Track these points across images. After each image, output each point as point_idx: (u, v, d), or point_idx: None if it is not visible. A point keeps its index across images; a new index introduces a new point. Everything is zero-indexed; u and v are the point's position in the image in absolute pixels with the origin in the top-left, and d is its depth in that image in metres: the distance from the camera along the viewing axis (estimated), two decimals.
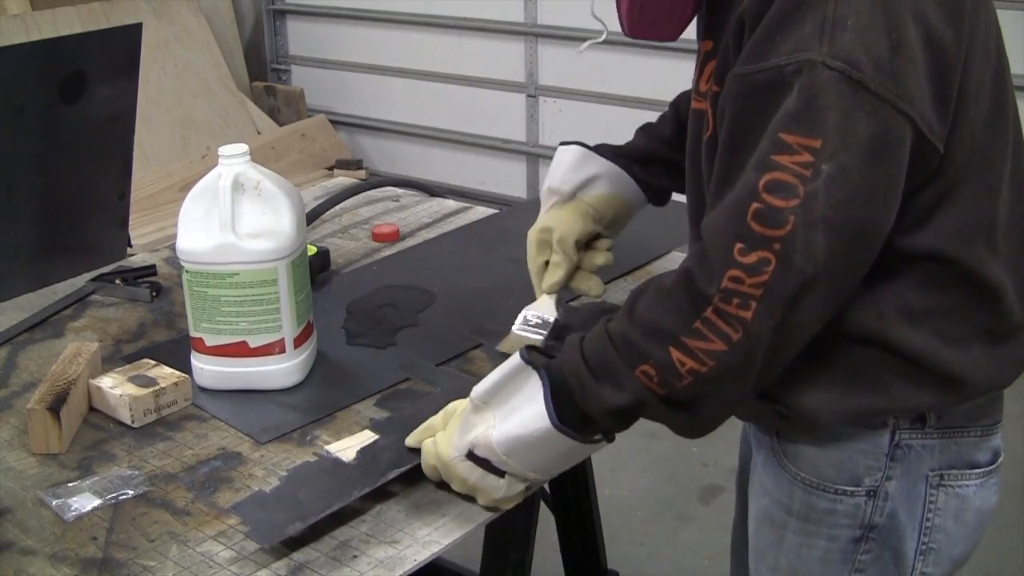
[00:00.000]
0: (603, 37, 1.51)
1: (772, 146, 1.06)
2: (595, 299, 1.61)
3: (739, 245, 1.06)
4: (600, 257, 1.56)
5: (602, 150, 1.56)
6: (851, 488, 1.24)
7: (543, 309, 1.54)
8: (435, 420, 1.30)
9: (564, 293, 1.56)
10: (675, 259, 1.85)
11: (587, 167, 1.54)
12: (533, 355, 1.21)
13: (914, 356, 1.17)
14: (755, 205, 1.06)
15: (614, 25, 1.37)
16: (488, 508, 1.26)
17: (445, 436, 1.25)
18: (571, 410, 1.18)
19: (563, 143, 1.59)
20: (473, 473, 1.23)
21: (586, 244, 1.56)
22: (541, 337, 1.52)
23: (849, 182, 1.05)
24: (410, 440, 1.31)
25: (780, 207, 1.05)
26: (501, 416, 1.21)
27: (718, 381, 1.10)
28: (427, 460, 1.27)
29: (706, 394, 1.12)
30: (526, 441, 1.19)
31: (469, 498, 1.27)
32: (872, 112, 1.05)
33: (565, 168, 1.55)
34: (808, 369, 1.20)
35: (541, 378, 1.19)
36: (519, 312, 1.56)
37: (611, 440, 1.23)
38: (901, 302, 1.16)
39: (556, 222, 1.53)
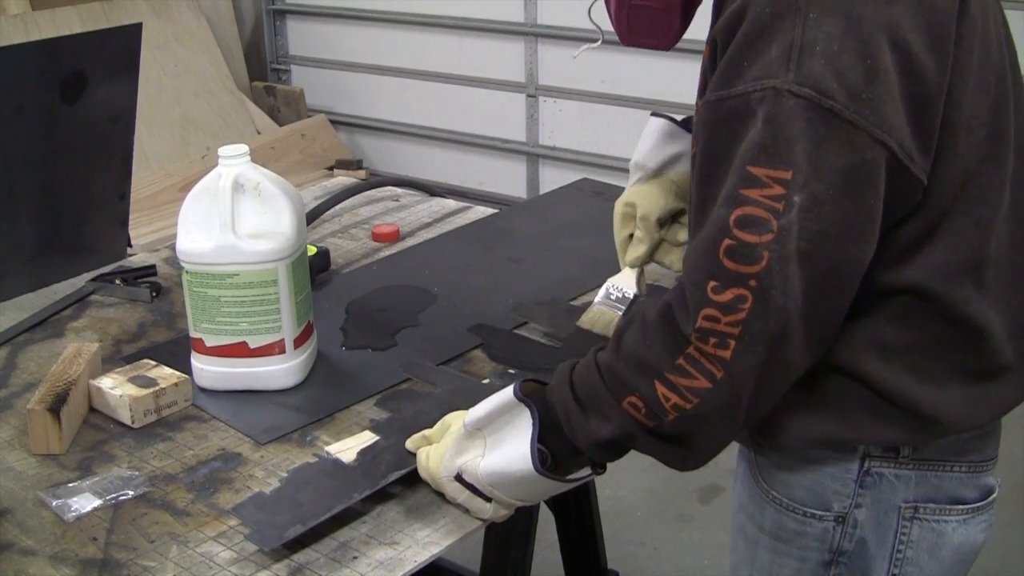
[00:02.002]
0: (598, 43, 1.52)
1: (741, 180, 1.03)
2: (678, 273, 1.60)
3: (712, 283, 1.03)
4: (683, 233, 1.54)
5: (690, 125, 1.51)
6: (819, 512, 1.22)
7: (625, 282, 1.55)
8: (432, 431, 1.30)
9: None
10: None
11: (673, 143, 1.52)
12: (528, 388, 1.20)
13: (884, 391, 1.13)
14: (727, 242, 1.03)
15: (609, 28, 1.38)
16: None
17: (437, 453, 1.25)
18: (560, 440, 1.18)
19: (654, 113, 1.57)
20: (460, 494, 1.24)
21: (671, 218, 1.54)
22: (621, 312, 1.53)
23: (824, 214, 1.02)
24: (409, 444, 1.32)
25: (753, 243, 1.02)
26: (490, 446, 1.21)
27: (704, 419, 1.09)
28: (421, 470, 1.28)
29: (694, 430, 1.11)
30: (510, 478, 1.20)
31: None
32: (847, 142, 1.01)
33: (652, 143, 1.54)
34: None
35: (532, 417, 1.18)
36: (518, 319, 1.56)
37: (601, 471, 1.22)
38: (874, 335, 1.13)
39: (640, 198, 1.52)
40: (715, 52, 1.10)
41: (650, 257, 1.54)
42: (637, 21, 1.32)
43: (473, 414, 1.22)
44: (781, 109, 1.01)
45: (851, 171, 1.02)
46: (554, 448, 1.19)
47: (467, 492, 1.23)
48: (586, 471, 1.21)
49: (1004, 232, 1.16)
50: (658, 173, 1.53)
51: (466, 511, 1.25)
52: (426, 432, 1.30)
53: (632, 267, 1.54)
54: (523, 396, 1.19)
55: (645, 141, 1.55)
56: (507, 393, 1.20)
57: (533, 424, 1.18)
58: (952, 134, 1.08)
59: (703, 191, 1.09)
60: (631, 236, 1.54)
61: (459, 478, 1.23)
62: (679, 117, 1.54)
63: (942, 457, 1.19)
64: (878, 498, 1.20)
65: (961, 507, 1.21)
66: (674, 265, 1.55)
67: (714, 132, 1.07)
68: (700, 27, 1.27)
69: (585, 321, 1.56)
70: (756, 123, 1.02)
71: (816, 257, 1.02)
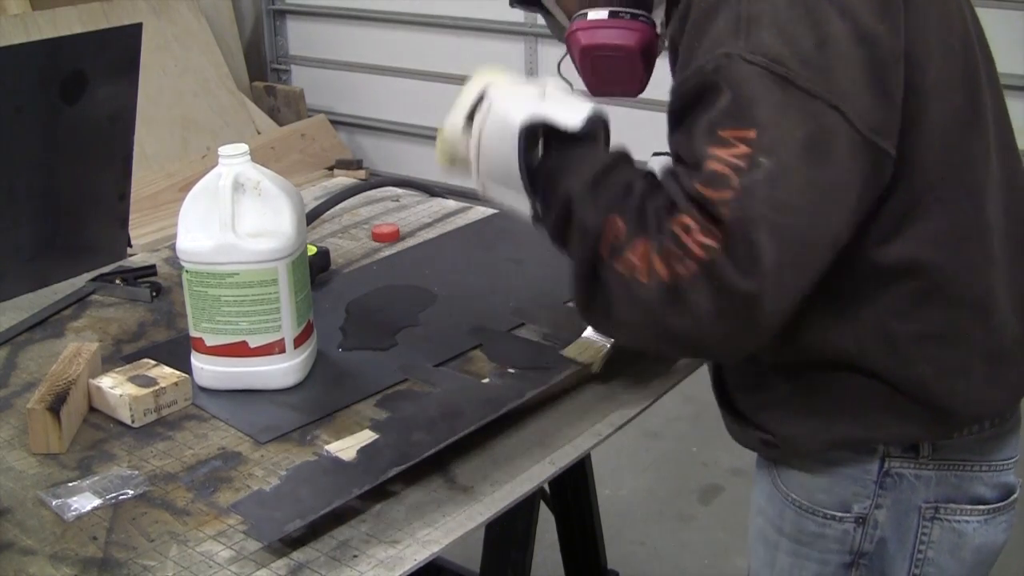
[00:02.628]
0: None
1: (709, 140, 1.02)
2: None
3: (687, 215, 1.03)
4: None
5: None
6: (840, 514, 1.22)
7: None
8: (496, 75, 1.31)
9: None
10: None
11: None
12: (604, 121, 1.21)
13: (897, 384, 1.13)
14: (699, 199, 1.02)
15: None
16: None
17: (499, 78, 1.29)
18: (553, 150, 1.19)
19: (655, 153, 1.57)
20: (465, 96, 1.27)
21: None
22: (609, 344, 1.50)
23: (790, 185, 1.01)
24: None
25: (714, 199, 1.01)
26: (547, 95, 1.22)
27: (634, 288, 1.06)
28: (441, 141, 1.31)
29: (619, 282, 1.07)
30: (503, 120, 1.21)
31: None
32: (804, 110, 1.01)
33: None
34: (790, 398, 1.19)
35: (588, 119, 1.18)
36: (517, 321, 1.56)
37: (535, 218, 1.22)
38: (884, 333, 1.12)
39: None
40: (675, 53, 1.13)
41: None
42: (601, 71, 1.34)
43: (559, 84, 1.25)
44: (736, 73, 1.02)
45: (811, 139, 1.01)
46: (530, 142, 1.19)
47: (470, 137, 1.25)
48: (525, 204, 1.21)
49: (998, 201, 1.16)
50: None
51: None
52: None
53: None
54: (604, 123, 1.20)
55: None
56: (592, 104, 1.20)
57: (585, 119, 1.18)
58: (921, 99, 1.08)
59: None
60: None
61: (475, 108, 1.25)
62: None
63: (962, 457, 1.19)
64: (898, 499, 1.20)
65: (982, 507, 1.21)
66: None
67: (681, 116, 1.08)
68: None
69: (571, 350, 1.53)
70: (719, 90, 1.03)
71: (787, 227, 1.01)
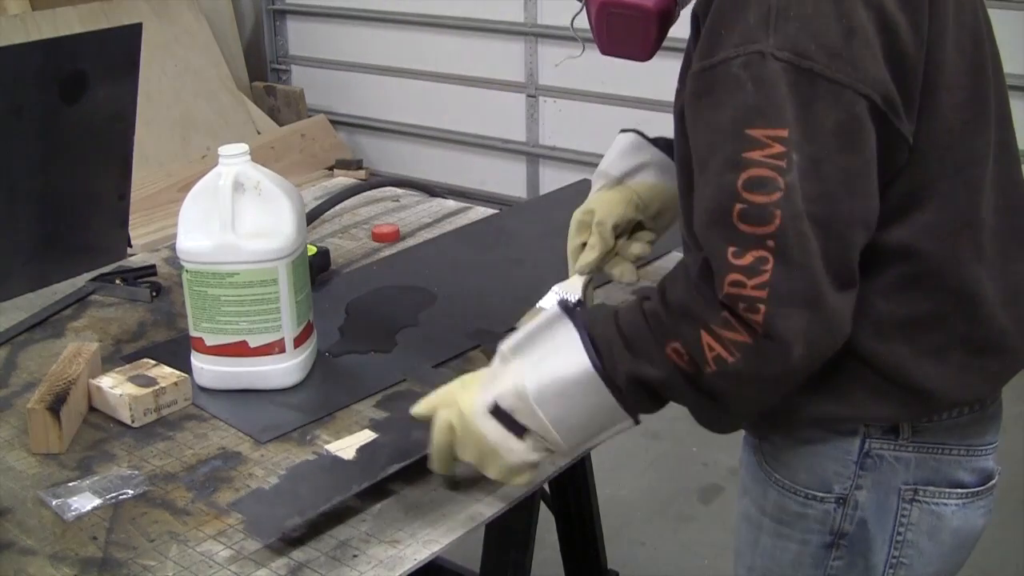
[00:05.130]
0: (580, 54, 1.52)
1: (741, 143, 1.03)
2: (626, 285, 1.60)
3: (732, 248, 1.04)
4: (637, 247, 1.55)
5: (658, 141, 1.54)
6: (821, 493, 1.22)
7: (572, 289, 1.53)
8: (451, 385, 1.25)
9: (597, 277, 1.56)
10: (675, 259, 1.85)
11: (638, 154, 1.54)
12: (567, 308, 1.18)
13: (880, 367, 1.14)
14: (738, 206, 1.03)
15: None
16: (498, 479, 1.22)
17: (467, 393, 1.21)
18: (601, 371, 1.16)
19: (623, 130, 1.58)
20: (495, 431, 1.18)
21: (629, 232, 1.54)
22: None
23: (823, 175, 1.03)
24: (419, 407, 1.26)
25: (764, 203, 1.02)
26: (532, 364, 1.17)
27: (743, 377, 1.07)
28: (441, 424, 1.22)
29: (732, 389, 1.10)
30: (562, 385, 1.15)
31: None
32: (834, 101, 1.03)
33: (617, 153, 1.55)
34: None
35: (577, 327, 1.15)
36: (518, 311, 1.56)
37: (636, 422, 1.19)
38: (868, 311, 1.13)
39: (598, 205, 1.52)
40: (697, 28, 1.11)
41: (600, 265, 1.53)
42: (614, 29, 1.33)
43: (509, 341, 1.19)
44: (766, 71, 1.03)
45: (841, 128, 1.04)
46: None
47: (501, 429, 1.18)
48: (627, 422, 1.18)
49: (991, 198, 1.17)
50: (620, 181, 1.53)
51: (478, 486, 1.23)
52: (443, 388, 1.25)
53: (581, 274, 1.53)
54: (566, 309, 1.16)
55: (610, 152, 1.56)
56: (547, 313, 1.17)
57: (580, 328, 1.15)
58: (933, 93, 1.10)
59: (702, 158, 1.09)
60: (584, 245, 1.53)
61: (495, 410, 1.18)
62: (650, 135, 1.55)
63: (941, 440, 1.20)
64: (878, 480, 1.21)
65: (960, 491, 1.23)
66: (623, 277, 1.54)
67: (700, 102, 1.08)
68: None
69: (525, 318, 1.51)
70: (743, 87, 1.03)
71: (825, 217, 1.04)
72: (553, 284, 1.76)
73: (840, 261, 1.06)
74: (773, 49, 1.03)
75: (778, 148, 1.02)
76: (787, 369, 1.07)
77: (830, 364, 1.14)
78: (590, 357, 1.13)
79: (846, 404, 1.17)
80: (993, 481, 1.26)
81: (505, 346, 1.19)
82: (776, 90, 1.02)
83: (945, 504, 1.22)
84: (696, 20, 1.12)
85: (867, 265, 1.12)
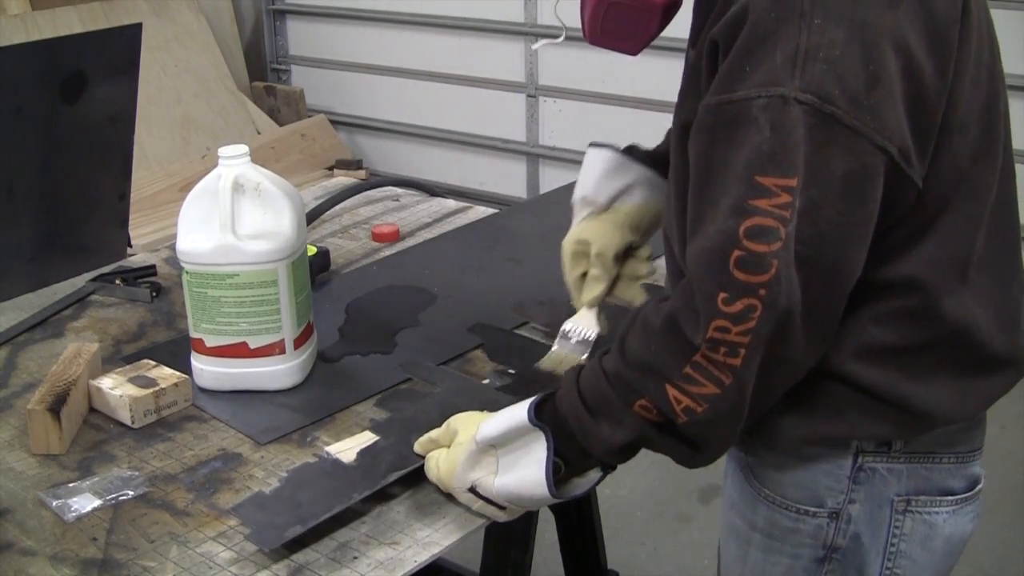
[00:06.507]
0: (561, 38, 1.48)
1: (749, 190, 1.02)
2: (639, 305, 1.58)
3: (723, 295, 1.03)
4: (643, 268, 1.51)
5: (636, 155, 1.49)
6: (813, 508, 1.22)
7: (584, 324, 1.50)
8: (439, 434, 1.29)
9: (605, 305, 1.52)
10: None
11: (622, 175, 1.48)
12: (542, 412, 1.19)
13: (872, 391, 1.14)
14: (737, 253, 1.02)
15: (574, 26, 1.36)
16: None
17: (448, 464, 1.25)
18: (574, 448, 1.18)
19: (592, 144, 1.53)
20: (474, 503, 1.24)
21: (624, 254, 1.51)
22: (586, 354, 1.48)
23: (821, 218, 1.02)
24: (417, 448, 1.31)
25: (763, 252, 1.01)
26: (503, 467, 1.21)
27: (714, 423, 1.09)
28: (430, 475, 1.28)
29: (705, 434, 1.11)
30: (525, 500, 1.21)
31: None
32: (848, 148, 1.01)
33: (598, 177, 1.49)
34: None
35: (547, 441, 1.17)
36: (518, 320, 1.56)
37: (612, 470, 1.23)
38: (860, 337, 1.13)
39: (593, 235, 1.47)
40: (714, 53, 1.09)
41: (608, 294, 1.51)
42: (613, 21, 1.30)
43: (485, 432, 1.21)
44: (787, 116, 1.01)
45: (851, 177, 1.02)
46: (567, 455, 1.19)
47: (481, 501, 1.23)
48: (598, 473, 1.22)
49: (987, 227, 1.17)
50: (607, 207, 1.48)
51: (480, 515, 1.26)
52: (433, 435, 1.29)
53: (591, 307, 1.50)
54: (536, 421, 1.18)
55: (589, 175, 1.50)
56: (520, 414, 1.19)
57: (548, 450, 1.17)
58: (947, 133, 1.09)
59: (702, 193, 1.07)
60: (584, 275, 1.50)
61: (472, 490, 1.23)
62: (620, 146, 1.50)
63: (932, 449, 1.20)
64: (871, 492, 1.20)
65: (951, 498, 1.23)
66: (635, 300, 1.51)
67: (714, 136, 1.06)
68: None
69: (546, 363, 1.51)
70: (760, 131, 1.01)
71: (812, 261, 1.03)
72: (552, 286, 1.76)
73: (819, 304, 1.05)
74: (796, 92, 1.00)
75: (785, 198, 1.01)
76: (744, 403, 1.08)
77: (822, 387, 1.15)
78: (549, 489, 1.18)
79: (839, 424, 1.17)
80: (980, 486, 1.26)
81: (480, 436, 1.21)
82: (792, 136, 1.01)
83: (937, 512, 1.22)
84: (715, 45, 1.09)
85: (864, 294, 1.11)
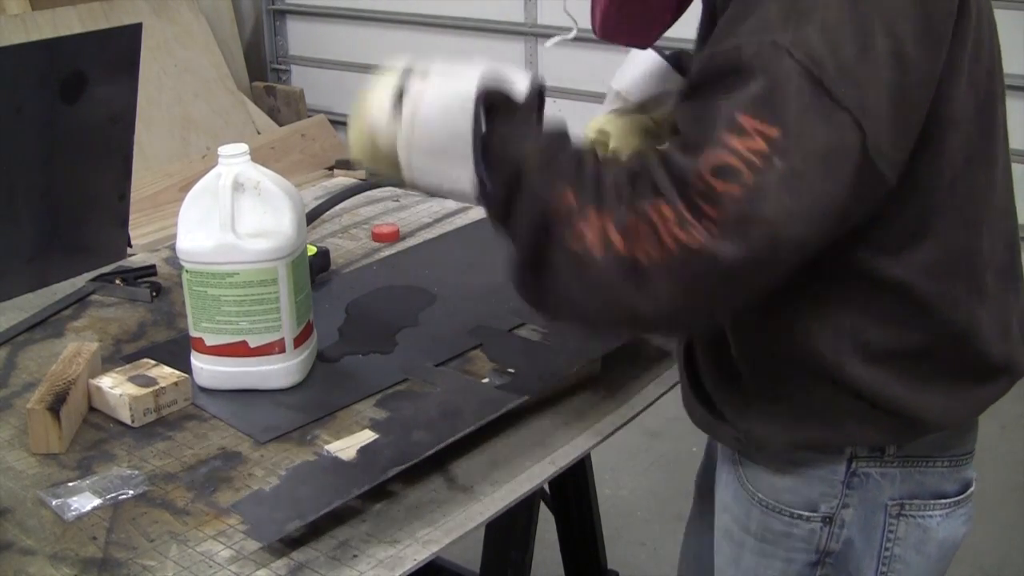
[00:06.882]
0: (572, 35, 1.47)
1: (727, 125, 0.99)
2: None
3: (669, 207, 0.99)
4: None
5: (679, 62, 1.45)
6: (807, 513, 1.22)
7: None
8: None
9: None
10: None
11: (661, 81, 1.44)
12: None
13: (868, 395, 1.13)
14: (699, 185, 0.99)
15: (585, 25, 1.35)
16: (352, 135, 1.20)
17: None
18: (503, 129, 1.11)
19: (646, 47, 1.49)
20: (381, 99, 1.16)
21: None
22: None
23: (799, 190, 0.98)
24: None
25: (719, 192, 0.98)
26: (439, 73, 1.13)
27: (605, 283, 1.02)
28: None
29: (584, 280, 1.04)
30: (449, 88, 1.12)
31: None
32: (830, 120, 0.98)
33: (638, 76, 1.46)
34: (760, 400, 1.19)
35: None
36: (517, 320, 1.55)
37: (480, 199, 1.14)
38: (859, 338, 1.12)
39: (615, 130, 1.45)
40: (711, 14, 1.08)
41: None
42: (624, 11, 1.29)
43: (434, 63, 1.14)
44: (779, 66, 0.98)
45: (828, 150, 0.99)
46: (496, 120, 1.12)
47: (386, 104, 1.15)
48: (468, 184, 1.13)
49: (997, 232, 1.15)
50: (640, 108, 1.46)
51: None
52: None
53: None
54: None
55: (632, 69, 1.47)
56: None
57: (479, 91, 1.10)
58: (941, 127, 1.07)
59: (686, 134, 1.04)
60: None
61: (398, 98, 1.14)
62: (668, 52, 1.47)
63: (925, 453, 1.20)
64: (865, 497, 1.20)
65: (944, 501, 1.22)
66: None
67: (706, 85, 1.03)
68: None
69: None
70: (753, 77, 0.99)
71: (782, 232, 0.99)
72: None
73: (768, 274, 1.03)
74: (789, 45, 0.98)
75: (760, 144, 0.98)
76: (625, 299, 1.03)
77: (816, 392, 1.14)
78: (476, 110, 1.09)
79: (832, 431, 1.17)
80: (972, 488, 1.25)
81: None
82: (783, 88, 0.98)
83: (931, 516, 1.22)
84: (713, 11, 1.08)
85: (861, 294, 1.11)
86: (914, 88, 1.03)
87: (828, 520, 1.21)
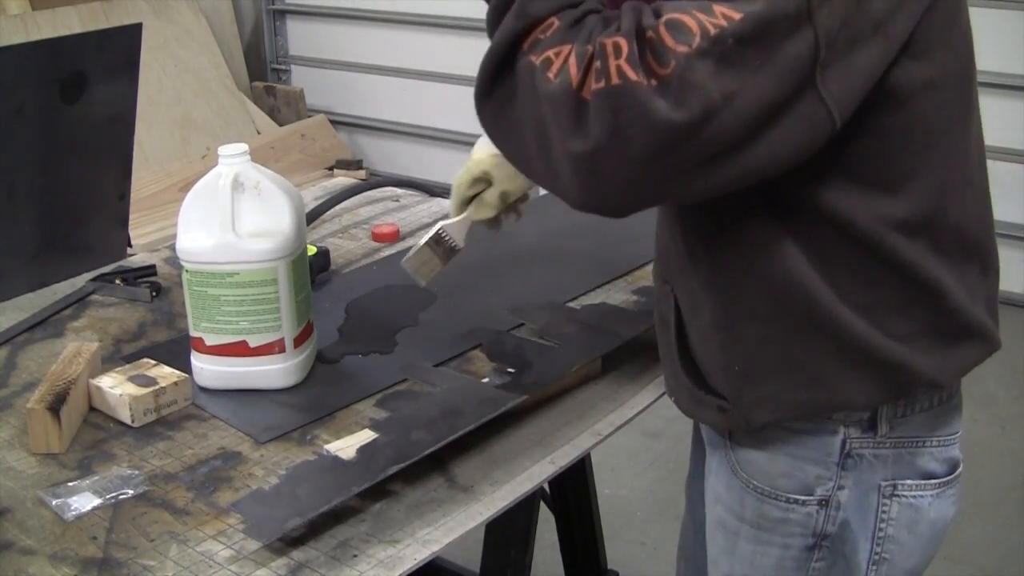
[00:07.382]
0: None
1: (699, 7, 0.98)
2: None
3: (629, 45, 0.98)
4: (522, 207, 1.62)
5: None
6: (803, 497, 1.22)
7: (457, 232, 1.59)
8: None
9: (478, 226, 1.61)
10: None
11: None
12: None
13: (854, 339, 1.14)
14: (649, 33, 0.98)
15: None
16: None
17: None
18: None
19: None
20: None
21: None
22: (446, 263, 1.60)
23: (746, 82, 0.96)
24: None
25: (668, 46, 0.97)
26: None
27: (549, 99, 1.02)
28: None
29: (528, 87, 1.04)
30: None
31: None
32: (796, 30, 0.97)
33: None
34: (747, 363, 1.19)
35: None
36: (516, 321, 1.55)
37: None
38: (836, 290, 1.13)
39: (498, 174, 1.55)
40: None
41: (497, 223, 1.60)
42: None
43: None
44: None
45: (786, 57, 0.98)
46: None
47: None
48: None
49: (973, 213, 1.17)
50: None
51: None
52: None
53: (470, 219, 1.58)
54: None
55: None
56: None
57: None
58: (913, 89, 1.08)
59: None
60: (473, 198, 1.58)
61: None
62: None
63: (915, 433, 1.22)
64: (859, 479, 1.21)
65: (934, 481, 1.24)
66: (511, 226, 1.63)
67: None
68: None
69: (409, 264, 1.58)
70: None
71: (709, 102, 0.97)
72: (552, 283, 1.76)
73: (697, 146, 0.99)
74: None
75: (721, 22, 0.96)
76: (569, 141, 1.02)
77: (801, 344, 1.15)
78: None
79: (819, 389, 1.17)
80: (959, 469, 1.27)
81: None
82: None
83: (922, 496, 1.23)
84: None
85: (837, 249, 1.12)
86: (882, 53, 1.03)
87: (824, 503, 1.22)
